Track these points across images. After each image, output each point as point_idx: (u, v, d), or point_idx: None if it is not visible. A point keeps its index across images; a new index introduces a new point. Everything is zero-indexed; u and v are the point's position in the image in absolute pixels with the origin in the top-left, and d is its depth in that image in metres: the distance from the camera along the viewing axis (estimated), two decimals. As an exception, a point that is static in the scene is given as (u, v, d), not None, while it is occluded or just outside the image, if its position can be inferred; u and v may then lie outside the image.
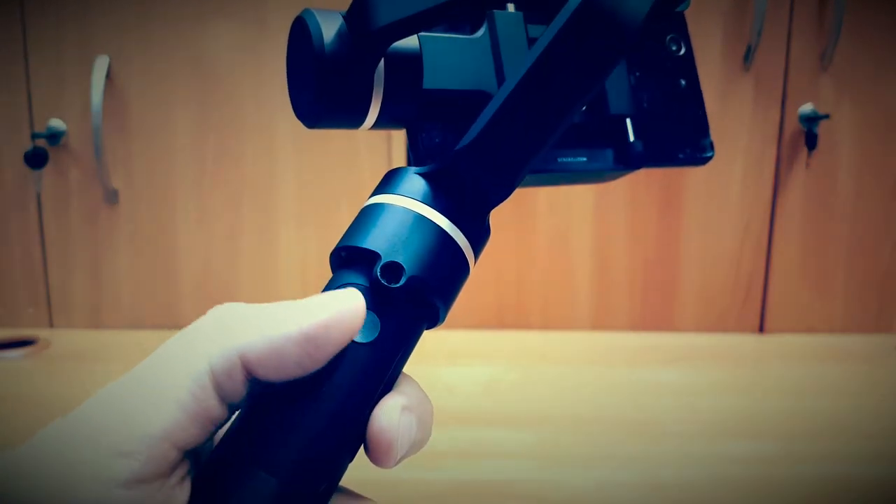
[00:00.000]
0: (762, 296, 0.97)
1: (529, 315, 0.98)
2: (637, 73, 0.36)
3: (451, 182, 0.30)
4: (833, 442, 0.69)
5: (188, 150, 0.94)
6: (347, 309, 0.26)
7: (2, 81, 0.91)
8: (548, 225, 0.95)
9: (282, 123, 0.93)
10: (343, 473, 0.29)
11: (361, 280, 0.28)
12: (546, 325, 0.98)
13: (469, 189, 0.30)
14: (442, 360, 0.89)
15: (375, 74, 0.30)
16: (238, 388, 0.25)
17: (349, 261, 0.29)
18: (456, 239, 0.29)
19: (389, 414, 0.27)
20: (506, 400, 0.78)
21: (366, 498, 0.30)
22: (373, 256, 0.28)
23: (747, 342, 0.95)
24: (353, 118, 0.31)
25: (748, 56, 0.89)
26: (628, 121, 0.35)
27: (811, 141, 0.90)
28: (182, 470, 0.25)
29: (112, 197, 0.94)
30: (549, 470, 0.64)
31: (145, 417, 0.24)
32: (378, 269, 0.28)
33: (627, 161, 0.35)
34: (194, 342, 0.26)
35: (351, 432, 0.27)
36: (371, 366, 0.27)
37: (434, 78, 0.31)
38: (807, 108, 0.91)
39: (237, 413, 0.27)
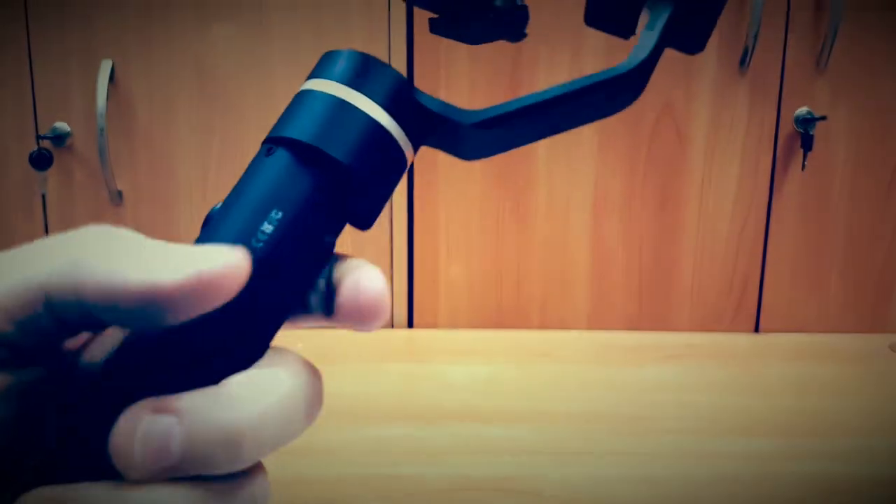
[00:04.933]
0: (758, 296, 0.98)
1: (528, 315, 0.99)
2: None
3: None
4: (827, 440, 0.70)
5: (192, 153, 0.95)
6: (223, 268, 0.21)
7: (7, 85, 0.92)
8: (546, 227, 0.96)
9: (284, 126, 0.94)
10: None
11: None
12: (544, 325, 0.99)
13: None
14: (443, 358, 0.90)
15: None
16: (67, 313, 0.21)
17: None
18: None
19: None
20: (505, 397, 0.79)
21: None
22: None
23: (743, 341, 0.96)
24: None
25: (745, 59, 0.90)
26: None
27: (807, 142, 0.91)
28: None
29: (116, 198, 0.95)
30: (547, 466, 0.65)
31: None
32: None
33: None
34: (46, 247, 0.22)
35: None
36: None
37: None
38: (802, 109, 0.92)
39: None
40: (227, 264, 0.21)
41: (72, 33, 0.91)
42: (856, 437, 0.70)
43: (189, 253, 0.21)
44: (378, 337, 0.97)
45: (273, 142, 0.25)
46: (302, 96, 0.25)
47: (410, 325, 1.00)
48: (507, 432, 0.70)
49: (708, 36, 0.29)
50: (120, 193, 0.95)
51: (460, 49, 0.92)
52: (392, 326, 1.00)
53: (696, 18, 0.29)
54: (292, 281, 0.24)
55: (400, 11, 0.91)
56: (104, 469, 0.20)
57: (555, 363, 0.88)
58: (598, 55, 0.91)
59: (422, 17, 0.91)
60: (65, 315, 0.21)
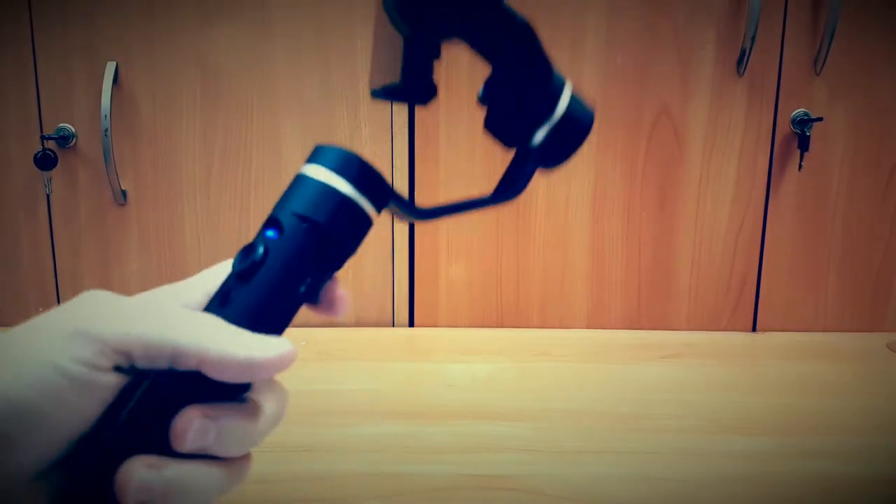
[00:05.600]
0: (755, 295, 0.98)
1: (528, 314, 0.99)
2: None
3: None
4: (826, 439, 0.70)
5: (195, 152, 0.95)
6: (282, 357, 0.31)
7: (12, 85, 0.93)
8: (546, 227, 0.97)
9: (288, 125, 0.94)
10: None
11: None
12: (544, 324, 0.99)
13: None
14: (443, 357, 0.90)
15: None
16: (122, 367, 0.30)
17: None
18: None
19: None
20: (505, 396, 0.79)
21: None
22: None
23: (741, 340, 0.96)
24: None
25: (742, 60, 0.91)
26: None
27: (804, 143, 0.92)
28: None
29: (120, 198, 0.96)
30: (547, 464, 0.65)
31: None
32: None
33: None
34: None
35: None
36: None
37: None
38: (799, 110, 0.92)
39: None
40: (289, 352, 0.32)
41: (75, 33, 0.92)
42: (854, 436, 0.70)
43: (265, 340, 0.32)
44: (379, 336, 0.97)
45: (302, 218, 0.34)
46: (313, 185, 0.35)
47: (411, 324, 1.00)
48: (506, 431, 0.71)
49: (568, 157, 0.40)
50: (124, 193, 0.96)
51: (460, 48, 0.92)
52: (393, 325, 1.00)
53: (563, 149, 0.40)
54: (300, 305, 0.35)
55: (401, 13, 0.91)
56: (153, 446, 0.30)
57: (554, 362, 0.89)
58: (598, 56, 0.92)
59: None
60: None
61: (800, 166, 0.93)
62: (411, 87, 0.36)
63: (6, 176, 0.95)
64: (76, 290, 1.06)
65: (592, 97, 0.93)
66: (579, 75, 0.92)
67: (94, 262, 0.98)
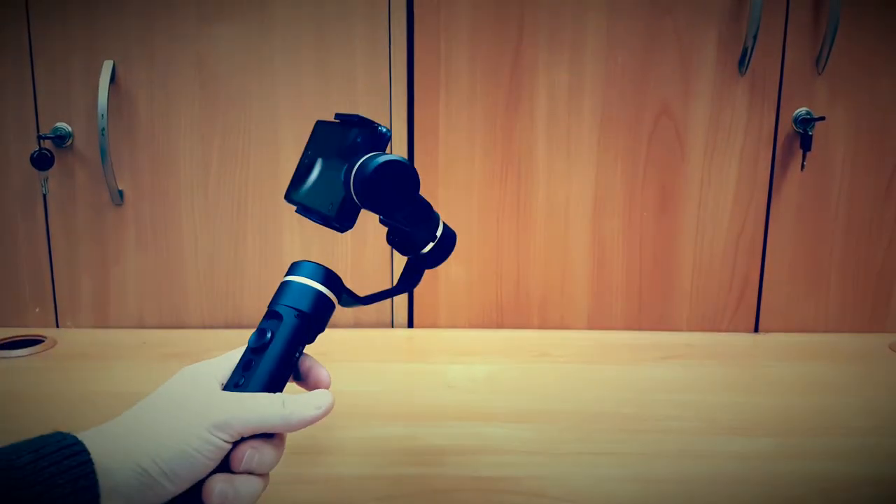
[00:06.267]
0: (757, 295, 0.98)
1: (528, 315, 0.99)
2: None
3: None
4: (827, 439, 0.70)
5: (193, 152, 0.95)
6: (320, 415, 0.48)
7: (9, 85, 0.93)
8: (546, 227, 0.97)
9: (286, 125, 0.94)
10: None
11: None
12: (544, 325, 0.99)
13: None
14: (443, 358, 0.90)
15: None
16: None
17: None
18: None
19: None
20: (505, 397, 0.79)
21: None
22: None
23: (742, 341, 0.96)
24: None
25: (744, 60, 0.90)
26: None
27: (806, 143, 0.92)
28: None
29: (117, 198, 0.95)
30: (547, 465, 0.65)
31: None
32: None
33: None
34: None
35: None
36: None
37: None
38: (801, 110, 0.92)
39: None
40: (331, 405, 0.49)
41: (73, 33, 0.92)
42: (855, 436, 0.70)
43: (317, 396, 0.49)
44: (379, 337, 0.97)
45: (293, 309, 0.51)
46: (297, 287, 0.52)
47: (410, 324, 1.00)
48: (506, 432, 0.71)
49: (444, 260, 0.58)
50: (121, 193, 0.95)
51: (460, 48, 0.92)
52: (392, 326, 1.00)
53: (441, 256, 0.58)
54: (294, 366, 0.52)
55: (401, 11, 0.91)
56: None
57: (554, 363, 0.89)
58: (598, 56, 0.91)
59: (422, 17, 0.91)
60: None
61: (802, 166, 0.93)
62: (340, 224, 0.52)
63: (3, 176, 0.95)
64: (73, 291, 1.06)
65: (593, 97, 0.93)
66: (580, 75, 0.92)
67: (90, 262, 0.98)
